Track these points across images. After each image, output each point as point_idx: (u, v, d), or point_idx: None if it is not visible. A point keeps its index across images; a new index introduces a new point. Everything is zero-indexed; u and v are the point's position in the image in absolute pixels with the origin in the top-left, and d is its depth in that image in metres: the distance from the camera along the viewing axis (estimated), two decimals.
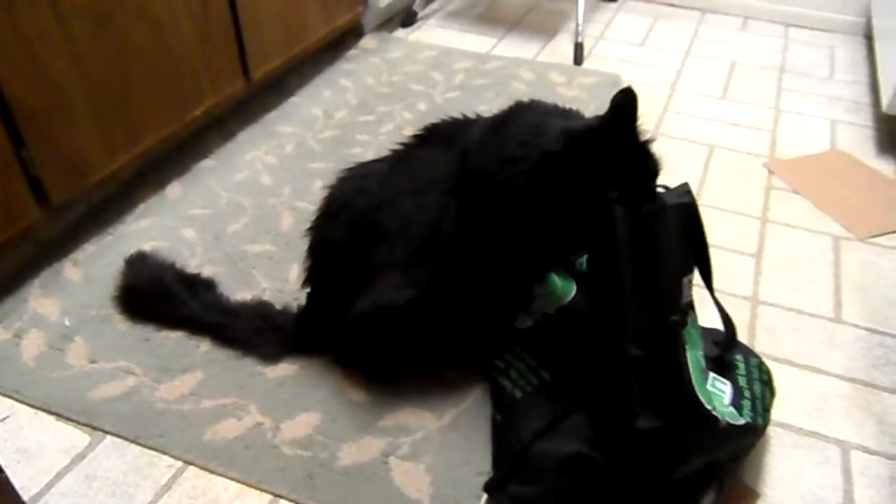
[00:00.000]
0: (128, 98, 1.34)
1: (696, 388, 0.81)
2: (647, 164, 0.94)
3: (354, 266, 1.02)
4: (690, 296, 0.86)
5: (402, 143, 1.10)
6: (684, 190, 0.95)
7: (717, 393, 0.91)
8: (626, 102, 0.90)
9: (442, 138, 1.07)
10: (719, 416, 0.82)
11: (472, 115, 1.11)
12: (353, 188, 1.07)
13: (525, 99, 1.08)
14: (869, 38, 2.32)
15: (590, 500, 0.89)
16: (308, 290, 1.12)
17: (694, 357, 0.88)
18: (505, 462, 0.94)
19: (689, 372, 0.80)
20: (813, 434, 1.05)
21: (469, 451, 1.00)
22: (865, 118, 1.89)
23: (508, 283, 1.07)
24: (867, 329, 1.24)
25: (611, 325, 0.83)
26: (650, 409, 0.80)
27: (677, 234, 0.82)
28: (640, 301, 0.80)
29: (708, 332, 1.00)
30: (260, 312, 1.16)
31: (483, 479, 0.95)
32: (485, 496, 0.94)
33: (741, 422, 0.88)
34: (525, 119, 1.01)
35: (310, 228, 1.11)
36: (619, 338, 0.81)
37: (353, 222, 1.03)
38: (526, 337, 1.07)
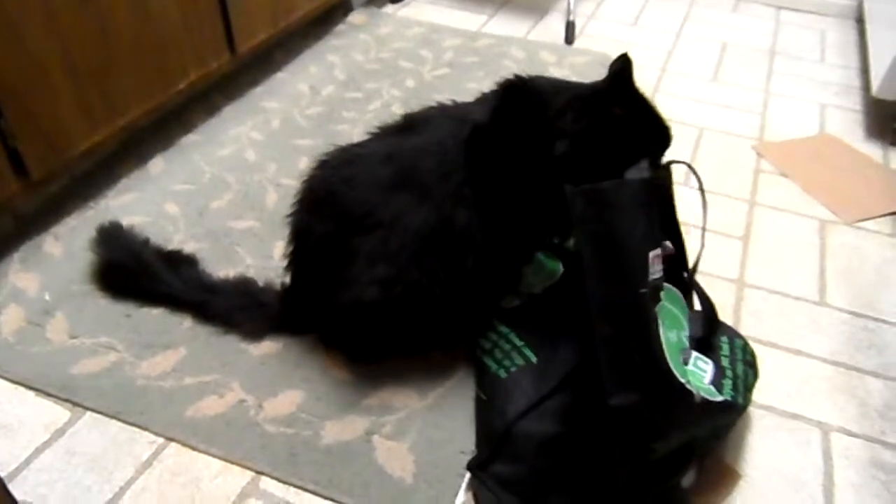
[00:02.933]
0: (109, 71, 1.31)
1: (670, 363, 0.80)
2: (655, 124, 1.02)
3: (338, 254, 1.00)
4: (661, 272, 0.86)
5: (383, 130, 1.08)
6: (643, 166, 0.95)
7: (698, 372, 0.91)
8: (624, 67, 0.97)
9: (428, 127, 1.04)
10: (693, 391, 0.82)
11: (448, 99, 1.10)
12: (337, 176, 1.03)
13: (513, 76, 1.07)
14: (860, 21, 2.31)
15: (572, 480, 0.89)
16: (291, 273, 1.11)
17: (674, 336, 0.88)
18: (489, 441, 0.94)
19: (661, 346, 0.80)
20: (795, 416, 1.06)
21: (453, 431, 1.00)
22: (855, 102, 1.89)
23: (506, 267, 1.06)
24: (851, 312, 1.25)
25: (584, 303, 0.83)
26: (623, 384, 0.79)
27: (635, 209, 0.81)
28: (605, 277, 0.80)
29: (696, 315, 1.00)
30: (243, 289, 1.14)
31: (466, 458, 0.95)
32: (468, 475, 0.94)
33: (719, 398, 0.88)
34: (538, 89, 1.03)
35: (291, 215, 1.08)
36: (589, 315, 0.81)
37: (339, 212, 1.00)
38: (512, 317, 1.07)
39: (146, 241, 1.19)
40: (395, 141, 1.05)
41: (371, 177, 1.00)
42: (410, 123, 1.07)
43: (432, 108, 1.08)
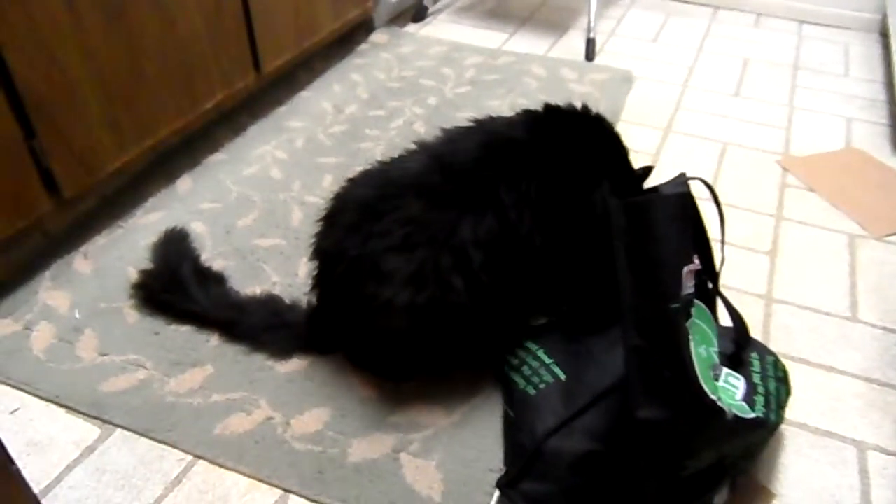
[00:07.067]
0: (139, 91, 1.34)
1: (701, 379, 0.79)
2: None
3: (371, 277, 0.97)
4: (693, 287, 0.85)
5: (419, 145, 1.07)
6: (680, 181, 0.94)
7: (729, 388, 0.90)
8: None
9: (470, 140, 1.04)
10: (725, 408, 0.81)
11: (470, 116, 1.11)
12: (373, 194, 1.01)
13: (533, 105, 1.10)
14: (884, 35, 2.29)
15: (603, 498, 0.88)
16: (317, 294, 1.10)
17: (703, 351, 0.87)
18: (518, 459, 0.93)
19: (692, 362, 0.79)
20: (829, 434, 1.04)
21: (480, 448, 0.99)
22: (881, 116, 1.87)
23: (561, 279, 1.06)
24: (883, 328, 1.22)
25: (618, 318, 0.83)
26: (653, 399, 0.79)
27: (672, 224, 0.81)
28: (640, 291, 0.80)
29: (725, 331, 0.99)
30: (270, 308, 1.14)
31: (495, 476, 0.94)
32: (497, 493, 0.93)
33: (751, 416, 0.86)
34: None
35: (318, 234, 1.07)
36: (622, 328, 0.80)
37: (374, 232, 0.97)
38: (540, 334, 1.06)
39: (192, 257, 1.21)
40: (440, 152, 1.04)
41: (415, 192, 0.98)
42: (449, 138, 1.07)
43: (466, 125, 1.09)
